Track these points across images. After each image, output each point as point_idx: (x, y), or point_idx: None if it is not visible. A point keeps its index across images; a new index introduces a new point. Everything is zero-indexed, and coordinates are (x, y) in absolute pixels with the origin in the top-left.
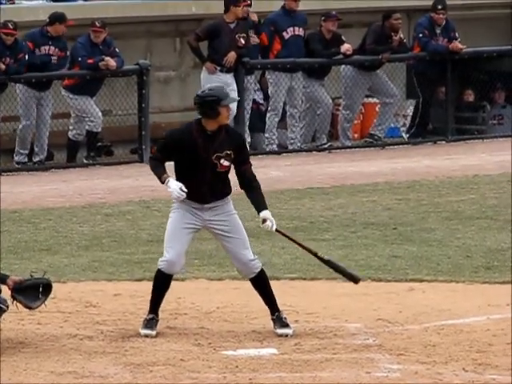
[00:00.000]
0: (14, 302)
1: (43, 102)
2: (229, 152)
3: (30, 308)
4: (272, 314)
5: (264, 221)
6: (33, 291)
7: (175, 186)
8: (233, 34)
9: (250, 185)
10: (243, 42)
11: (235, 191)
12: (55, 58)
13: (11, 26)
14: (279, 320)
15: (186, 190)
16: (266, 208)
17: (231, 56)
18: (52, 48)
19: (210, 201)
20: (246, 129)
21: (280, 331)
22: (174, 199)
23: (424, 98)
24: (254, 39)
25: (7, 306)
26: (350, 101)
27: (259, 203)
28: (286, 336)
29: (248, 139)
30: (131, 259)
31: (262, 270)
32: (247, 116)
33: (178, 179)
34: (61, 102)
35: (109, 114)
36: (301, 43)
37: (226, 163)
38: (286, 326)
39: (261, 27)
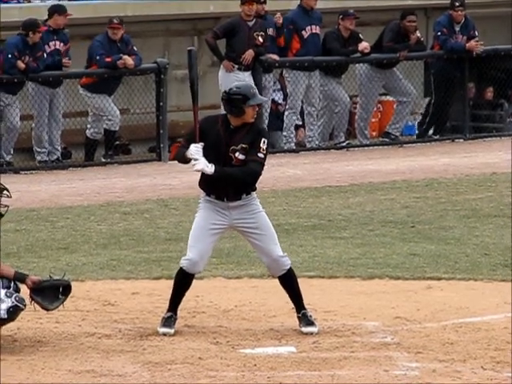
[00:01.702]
0: (32, 302)
1: (55, 99)
2: (244, 146)
3: (47, 309)
4: (298, 311)
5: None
6: (51, 292)
7: (192, 148)
8: (251, 32)
9: (239, 168)
10: (261, 40)
11: (260, 189)
12: (62, 52)
13: (40, 24)
14: (305, 318)
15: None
16: (216, 170)
17: (249, 54)
18: (57, 42)
19: (232, 196)
20: (265, 127)
21: (305, 329)
22: (194, 158)
23: (441, 96)
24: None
25: (25, 305)
26: (364, 99)
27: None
28: (312, 334)
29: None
30: (149, 258)
31: (290, 268)
32: (266, 114)
33: (201, 176)
34: (78, 100)
35: (127, 112)
36: (318, 41)
37: (240, 157)
38: (312, 324)
39: (282, 30)
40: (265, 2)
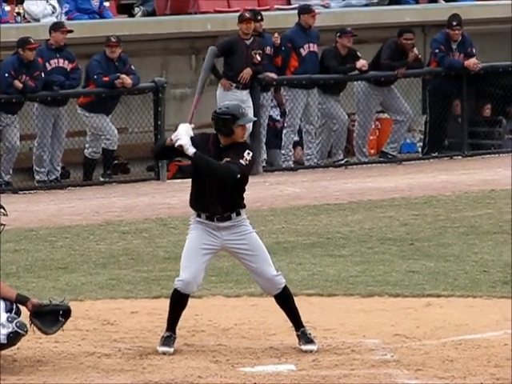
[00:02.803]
0: (32, 325)
1: (59, 119)
2: (228, 159)
3: (46, 333)
4: (297, 329)
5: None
6: (51, 316)
7: (182, 125)
8: (248, 51)
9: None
10: (259, 58)
11: (250, 207)
12: (67, 70)
13: (32, 41)
14: (304, 336)
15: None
16: (196, 153)
17: (246, 73)
18: (61, 60)
19: (221, 213)
20: (263, 145)
21: (305, 347)
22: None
23: (438, 113)
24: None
25: (26, 331)
26: (362, 116)
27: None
28: (311, 352)
29: (264, 156)
30: (148, 277)
31: (285, 286)
32: (263, 132)
33: (191, 191)
34: (76, 120)
35: (125, 131)
36: (316, 59)
37: None
38: (311, 341)
39: (279, 49)
40: (261, 20)
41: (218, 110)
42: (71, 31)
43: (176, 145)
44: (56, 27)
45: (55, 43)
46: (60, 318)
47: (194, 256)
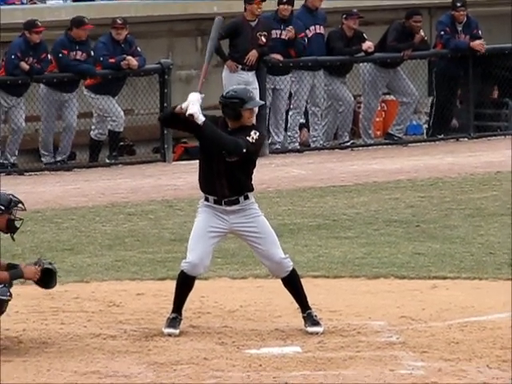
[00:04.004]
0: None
1: (67, 104)
2: None
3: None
4: (303, 311)
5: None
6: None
7: (194, 94)
8: (254, 32)
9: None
10: (264, 40)
11: (256, 189)
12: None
13: (39, 24)
14: (310, 318)
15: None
16: (205, 122)
17: (252, 55)
18: (79, 53)
19: (229, 196)
20: (269, 127)
21: (311, 329)
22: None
23: (444, 95)
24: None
25: (10, 295)
26: (369, 98)
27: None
28: (317, 334)
29: (277, 138)
30: (154, 258)
31: (293, 269)
32: (283, 117)
33: (199, 173)
34: (83, 101)
35: (131, 113)
36: (322, 41)
37: (233, 157)
38: (317, 324)
39: (295, 42)
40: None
41: (226, 94)
42: (92, 27)
43: (187, 113)
44: (77, 24)
45: (78, 38)
46: (52, 272)
47: (201, 238)
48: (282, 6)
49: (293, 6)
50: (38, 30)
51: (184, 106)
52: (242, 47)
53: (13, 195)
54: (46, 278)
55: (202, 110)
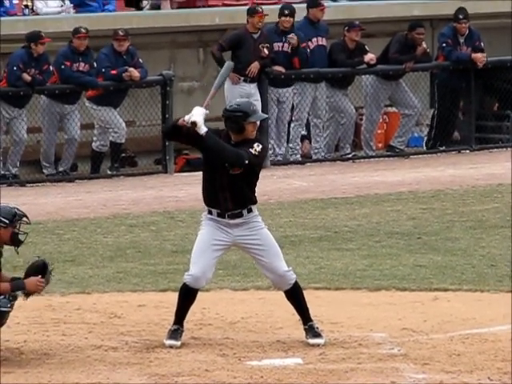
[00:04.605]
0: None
1: (69, 116)
2: None
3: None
4: (304, 323)
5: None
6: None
7: (198, 108)
8: (256, 44)
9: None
10: (266, 52)
11: (266, 201)
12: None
13: (44, 36)
14: (312, 330)
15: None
16: (208, 133)
17: (254, 66)
18: (82, 64)
19: (232, 209)
20: (270, 139)
21: (312, 341)
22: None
23: (445, 107)
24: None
25: (11, 306)
26: (370, 110)
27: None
28: (318, 346)
29: (279, 150)
30: (156, 270)
31: (296, 281)
32: (285, 128)
33: (202, 187)
34: (84, 113)
35: (132, 124)
36: (324, 53)
37: (236, 170)
38: (319, 335)
39: (297, 51)
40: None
41: (229, 107)
42: (88, 36)
43: (190, 121)
44: (75, 33)
45: (77, 48)
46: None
47: (204, 251)
48: (283, 18)
49: (294, 18)
50: (42, 41)
51: (187, 118)
52: (245, 59)
53: (17, 208)
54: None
55: (205, 122)
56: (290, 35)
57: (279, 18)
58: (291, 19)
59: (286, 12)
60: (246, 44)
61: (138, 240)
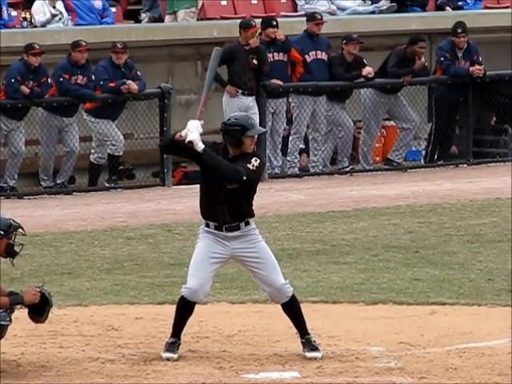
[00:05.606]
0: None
1: (67, 129)
2: None
3: (39, 322)
4: (302, 337)
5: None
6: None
7: (192, 121)
8: (247, 56)
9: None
10: (255, 62)
11: (255, 214)
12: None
13: (37, 47)
14: (309, 343)
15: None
16: (205, 150)
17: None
18: (80, 77)
19: (230, 222)
20: (267, 152)
21: (309, 354)
22: (190, 131)
23: (443, 121)
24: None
25: (9, 320)
26: (368, 124)
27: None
28: (315, 359)
29: (276, 162)
30: (153, 283)
31: (293, 294)
32: (279, 140)
33: (200, 200)
34: (82, 125)
35: (130, 137)
36: (324, 67)
37: (234, 184)
38: (316, 349)
39: (288, 44)
40: (277, 26)
41: (228, 121)
42: (89, 49)
43: (186, 141)
44: (74, 46)
45: (76, 61)
46: (47, 302)
47: (201, 264)
48: (270, 29)
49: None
50: (35, 51)
51: (183, 133)
52: (238, 71)
53: (13, 220)
54: (39, 309)
55: (203, 135)
56: (278, 32)
57: (265, 29)
58: (277, 30)
59: (275, 23)
60: (239, 56)
61: (136, 253)
